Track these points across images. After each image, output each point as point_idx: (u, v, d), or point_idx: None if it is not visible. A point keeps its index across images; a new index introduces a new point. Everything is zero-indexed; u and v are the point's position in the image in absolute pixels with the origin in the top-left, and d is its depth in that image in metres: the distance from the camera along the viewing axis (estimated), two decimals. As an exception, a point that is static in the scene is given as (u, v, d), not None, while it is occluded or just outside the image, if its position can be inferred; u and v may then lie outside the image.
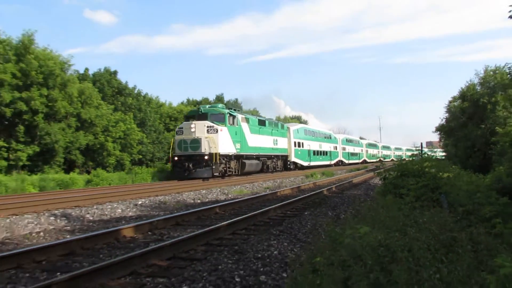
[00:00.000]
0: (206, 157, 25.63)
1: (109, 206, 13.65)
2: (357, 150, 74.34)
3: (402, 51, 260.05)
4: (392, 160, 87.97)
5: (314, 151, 49.57)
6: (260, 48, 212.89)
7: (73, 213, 12.32)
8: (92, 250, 7.75)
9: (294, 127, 45.15)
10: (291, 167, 42.54)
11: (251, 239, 8.51)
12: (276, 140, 38.08)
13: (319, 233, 8.77)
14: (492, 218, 6.71)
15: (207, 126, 26.81)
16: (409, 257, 4.17)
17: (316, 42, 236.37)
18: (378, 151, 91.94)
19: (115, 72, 45.71)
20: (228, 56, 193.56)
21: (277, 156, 38.72)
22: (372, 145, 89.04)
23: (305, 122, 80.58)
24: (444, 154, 40.42)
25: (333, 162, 57.41)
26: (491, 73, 30.98)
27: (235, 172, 30.09)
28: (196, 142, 26.37)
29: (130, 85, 46.51)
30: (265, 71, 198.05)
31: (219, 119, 28.27)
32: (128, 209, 13.52)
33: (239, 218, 10.21)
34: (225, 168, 28.34)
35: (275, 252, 7.44)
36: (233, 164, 29.70)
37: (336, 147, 60.47)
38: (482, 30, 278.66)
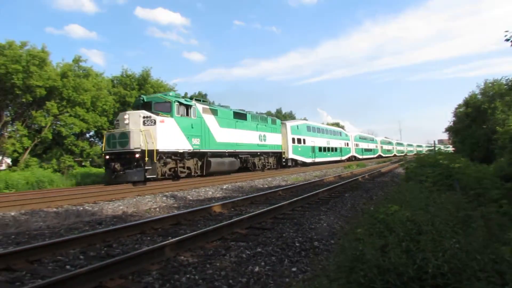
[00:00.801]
0: (137, 155, 15.52)
1: (203, 190, 13.92)
2: (371, 146, 60.88)
3: (417, 71, 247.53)
4: (406, 154, 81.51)
5: (320, 148, 37.48)
6: (307, 74, 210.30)
7: (178, 194, 12.66)
8: (192, 221, 7.89)
9: (292, 123, 33.13)
10: (290, 164, 30.50)
11: (306, 214, 8.35)
12: (264, 136, 26.08)
13: (357, 211, 8.47)
14: (499, 200, 6.16)
15: (143, 117, 16.28)
16: (432, 230, 3.88)
17: (349, 67, 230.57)
18: (393, 147, 77.78)
19: (205, 95, 47.39)
20: (284, 81, 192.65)
21: (266, 153, 26.75)
22: (387, 142, 74.68)
23: (342, 127, 75.76)
24: (452, 149, 38.00)
25: (344, 157, 45.53)
26: (490, 84, 28.99)
27: (194, 172, 18.96)
28: (125, 136, 15.99)
29: (216, 104, 48.36)
30: (311, 89, 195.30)
31: (166, 108, 17.48)
32: (216, 192, 13.72)
33: (296, 198, 10.03)
34: (175, 168, 17.77)
35: (324, 224, 7.25)
36: (191, 163, 18.72)
37: (347, 143, 47.96)
38: (480, 52, 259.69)
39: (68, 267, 4.79)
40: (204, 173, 19.54)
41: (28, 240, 6.48)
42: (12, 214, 8.81)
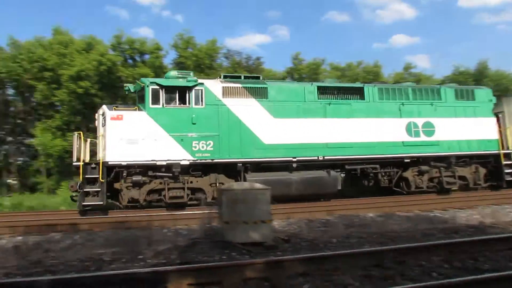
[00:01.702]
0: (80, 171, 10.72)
1: None
2: None
3: None
4: None
5: None
6: None
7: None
8: None
9: None
10: None
11: None
12: (430, 125, 12.84)
13: None
14: None
15: (101, 114, 11.31)
16: None
17: None
18: None
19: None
20: None
21: (439, 158, 12.87)
22: None
23: None
24: None
25: None
26: None
27: (212, 197, 11.25)
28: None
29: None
30: None
31: (142, 98, 11.40)
32: None
33: None
34: (163, 192, 11.07)
35: None
36: (204, 182, 11.41)
37: None
38: None
39: (434, 274, 4.75)
40: None
41: (387, 241, 6.98)
42: (370, 215, 9.92)
